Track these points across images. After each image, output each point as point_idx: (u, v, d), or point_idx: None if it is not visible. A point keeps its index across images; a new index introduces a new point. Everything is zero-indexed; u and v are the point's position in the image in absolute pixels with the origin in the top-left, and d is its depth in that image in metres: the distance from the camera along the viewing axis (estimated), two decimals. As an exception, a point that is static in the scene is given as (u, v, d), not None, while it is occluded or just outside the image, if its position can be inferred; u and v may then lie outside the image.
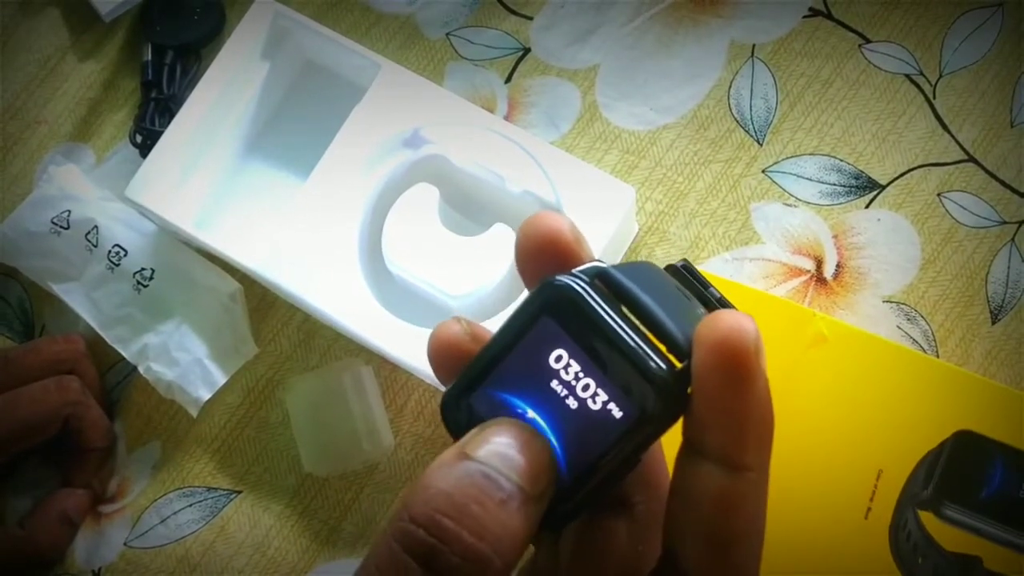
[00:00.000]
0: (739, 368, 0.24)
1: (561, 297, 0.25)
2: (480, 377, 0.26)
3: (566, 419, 0.26)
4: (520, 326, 0.26)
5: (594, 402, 0.25)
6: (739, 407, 0.24)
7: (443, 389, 0.48)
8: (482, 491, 0.24)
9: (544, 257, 0.27)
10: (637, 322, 0.25)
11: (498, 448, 0.25)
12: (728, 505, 0.25)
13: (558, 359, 0.26)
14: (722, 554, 0.25)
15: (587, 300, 0.25)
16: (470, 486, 0.24)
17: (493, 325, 0.47)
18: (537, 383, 0.26)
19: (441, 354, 0.28)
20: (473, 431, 0.26)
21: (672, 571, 0.26)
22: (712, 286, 0.28)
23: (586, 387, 0.25)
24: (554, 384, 0.26)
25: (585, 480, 0.26)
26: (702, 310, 0.28)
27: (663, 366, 0.25)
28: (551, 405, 0.26)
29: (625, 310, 0.25)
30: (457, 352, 0.28)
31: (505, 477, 0.24)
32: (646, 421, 0.25)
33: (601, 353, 0.25)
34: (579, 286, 0.25)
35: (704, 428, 0.25)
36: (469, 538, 0.23)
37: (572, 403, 0.25)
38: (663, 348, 0.25)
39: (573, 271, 0.26)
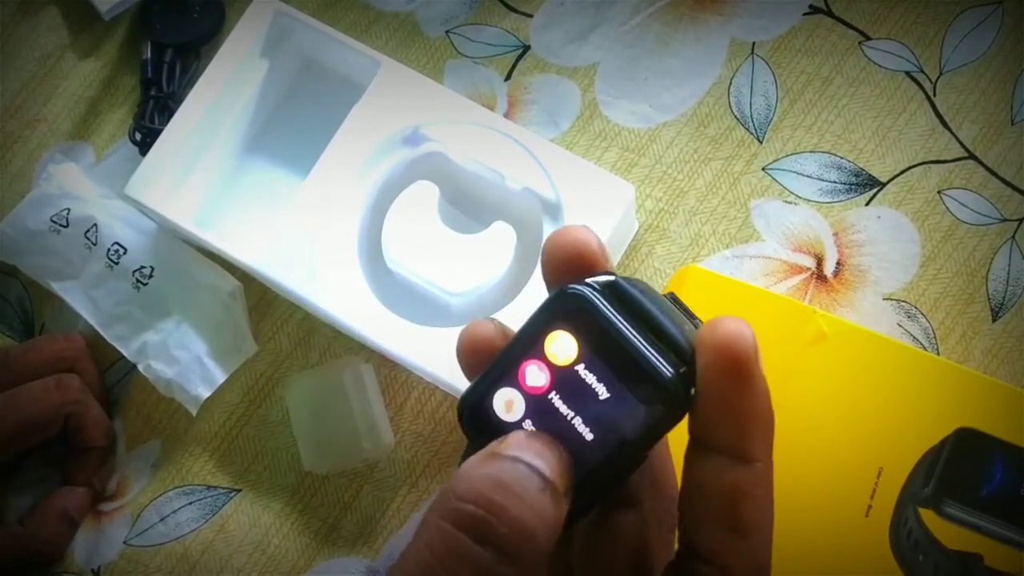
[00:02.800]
0: (742, 368, 0.26)
1: (574, 304, 0.27)
2: (498, 380, 0.28)
3: (571, 426, 0.27)
4: (535, 332, 0.28)
5: (604, 408, 0.27)
6: (744, 403, 0.27)
7: (444, 386, 0.48)
8: (521, 477, 0.26)
9: (572, 269, 0.29)
10: (644, 328, 0.27)
11: (527, 448, 0.27)
12: (741, 494, 0.27)
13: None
14: (741, 539, 0.27)
15: (599, 307, 0.27)
16: (511, 471, 0.26)
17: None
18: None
19: (473, 352, 0.30)
20: (497, 440, 0.27)
21: (692, 561, 0.28)
22: (696, 317, 0.30)
23: (596, 388, 0.27)
24: None
25: (596, 476, 0.27)
26: (692, 324, 0.29)
27: (670, 369, 0.26)
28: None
29: (633, 317, 0.27)
30: (491, 350, 0.29)
31: (538, 471, 0.26)
32: (653, 419, 0.27)
33: (611, 357, 0.27)
34: (591, 294, 0.27)
35: (712, 425, 0.27)
36: (515, 510, 0.25)
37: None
38: (668, 353, 0.27)
39: (586, 280, 0.28)
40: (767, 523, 0.28)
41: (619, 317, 0.27)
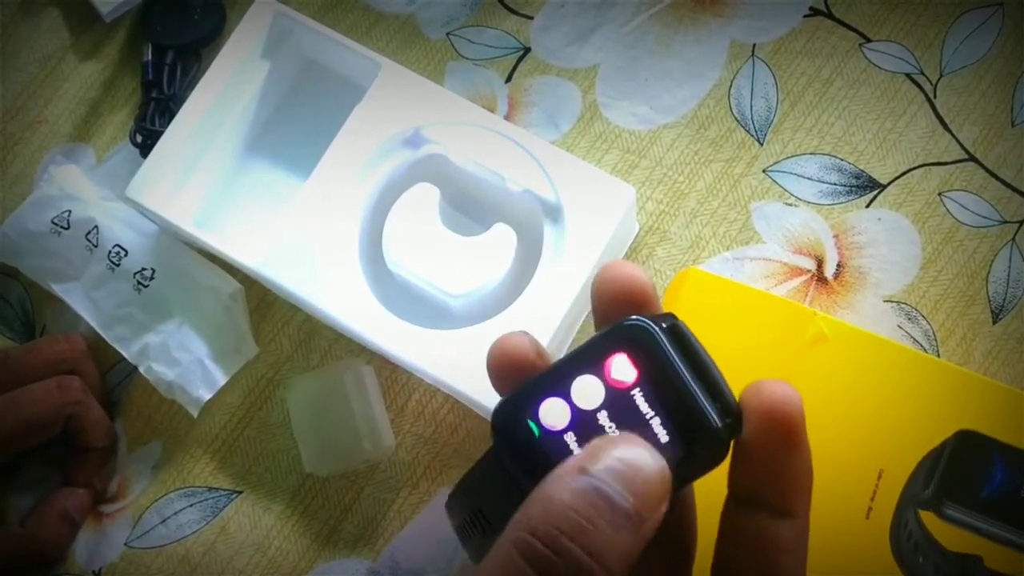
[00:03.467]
0: (792, 434, 0.27)
1: (639, 336, 0.28)
2: (545, 393, 0.28)
3: None
4: (596, 355, 0.28)
5: (649, 436, 0.27)
6: (791, 465, 0.28)
7: (445, 388, 0.48)
8: (598, 511, 0.25)
9: (624, 304, 0.30)
10: (698, 374, 0.28)
11: (617, 466, 0.26)
12: (782, 548, 0.28)
13: None
14: None
15: (662, 344, 0.28)
16: (588, 505, 0.25)
17: (493, 325, 0.48)
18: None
19: (506, 364, 0.30)
20: (595, 442, 0.27)
21: None
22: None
23: (645, 420, 0.28)
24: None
25: None
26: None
27: (719, 418, 0.27)
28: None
29: (689, 361, 0.28)
30: (523, 364, 0.30)
31: (621, 496, 0.26)
32: (693, 461, 0.27)
33: (665, 394, 0.28)
34: (657, 331, 0.28)
35: (760, 484, 0.28)
36: (581, 555, 0.25)
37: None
38: (716, 403, 0.28)
39: (651, 316, 0.29)
40: (803, 573, 0.29)
41: (678, 358, 0.28)
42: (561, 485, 0.26)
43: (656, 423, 0.27)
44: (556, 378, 0.28)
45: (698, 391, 0.27)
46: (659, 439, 0.27)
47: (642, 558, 0.29)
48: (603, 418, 0.28)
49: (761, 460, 0.28)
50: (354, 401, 0.48)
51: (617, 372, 0.28)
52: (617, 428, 0.28)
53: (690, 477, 0.28)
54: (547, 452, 0.28)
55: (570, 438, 0.28)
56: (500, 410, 0.29)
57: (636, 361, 0.28)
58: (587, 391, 0.28)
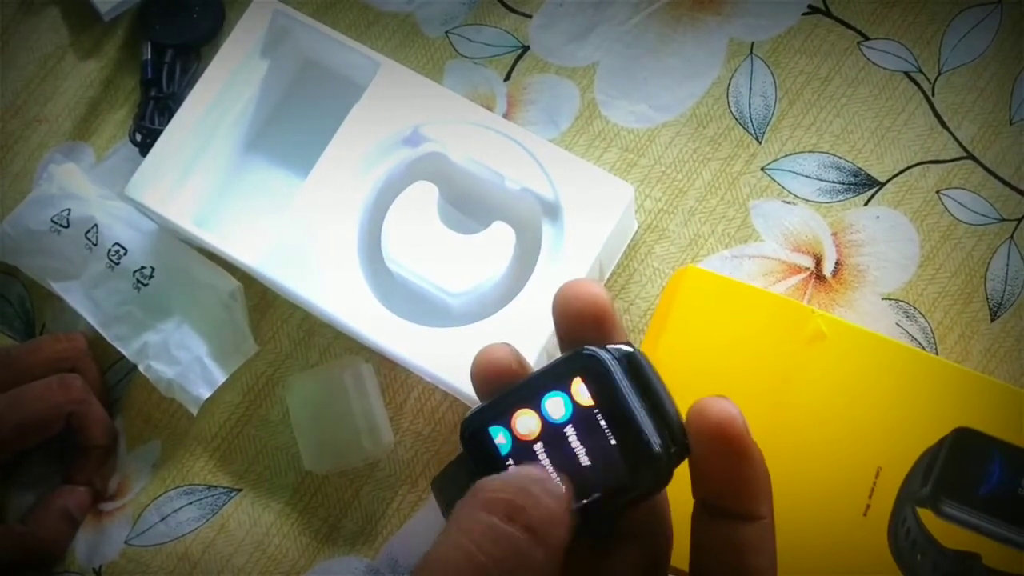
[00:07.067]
0: (738, 446, 0.29)
1: (594, 366, 0.30)
2: (507, 412, 0.30)
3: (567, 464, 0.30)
4: (553, 381, 0.30)
5: (595, 458, 0.29)
6: (745, 474, 0.29)
7: (443, 386, 0.48)
8: (540, 482, 0.28)
9: (584, 323, 0.31)
10: (648, 403, 0.29)
11: (538, 473, 0.29)
12: (751, 548, 0.30)
13: None
14: None
15: (613, 375, 0.29)
16: (530, 479, 0.28)
17: (491, 323, 0.48)
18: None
19: (488, 373, 0.32)
20: (512, 468, 0.30)
21: None
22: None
23: (595, 444, 0.29)
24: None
25: (579, 515, 0.29)
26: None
27: (663, 448, 0.29)
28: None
29: (640, 390, 0.29)
30: (504, 373, 0.31)
31: (548, 485, 0.29)
32: (637, 486, 0.29)
33: (613, 421, 0.29)
34: (611, 361, 0.30)
35: (719, 497, 0.30)
36: (544, 498, 0.28)
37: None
38: (664, 430, 0.29)
39: (608, 347, 0.30)
40: (774, 571, 0.30)
41: (629, 387, 0.29)
42: (502, 473, 0.29)
43: (604, 447, 0.29)
44: (504, 407, 0.30)
45: (646, 420, 0.29)
46: (607, 464, 0.29)
47: (619, 554, 0.31)
48: (541, 448, 0.30)
49: (717, 474, 0.29)
50: (353, 399, 0.48)
51: (573, 397, 0.30)
52: (563, 453, 0.29)
53: (639, 499, 0.29)
54: (502, 465, 0.30)
55: (532, 454, 0.30)
56: (467, 421, 0.31)
57: (591, 390, 0.29)
58: (526, 424, 0.30)
